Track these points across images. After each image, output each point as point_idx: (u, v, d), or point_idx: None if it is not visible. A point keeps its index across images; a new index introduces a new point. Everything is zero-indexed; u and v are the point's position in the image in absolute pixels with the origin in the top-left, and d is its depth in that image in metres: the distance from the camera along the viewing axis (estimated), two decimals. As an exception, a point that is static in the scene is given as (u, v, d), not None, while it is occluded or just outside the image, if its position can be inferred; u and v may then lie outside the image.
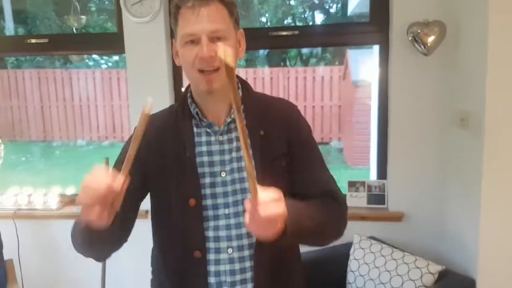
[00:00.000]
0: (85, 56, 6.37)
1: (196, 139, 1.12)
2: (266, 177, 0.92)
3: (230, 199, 1.10)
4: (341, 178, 2.24)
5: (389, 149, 2.39)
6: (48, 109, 8.94)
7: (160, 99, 2.42)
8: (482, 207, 1.92)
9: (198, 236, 1.08)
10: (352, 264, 2.20)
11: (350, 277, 2.19)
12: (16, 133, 9.14)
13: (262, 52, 9.41)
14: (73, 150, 9.23)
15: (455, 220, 2.21)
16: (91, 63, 9.85)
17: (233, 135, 1.12)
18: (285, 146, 1.11)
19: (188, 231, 1.08)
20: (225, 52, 0.78)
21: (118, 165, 1.08)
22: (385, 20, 2.32)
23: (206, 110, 1.13)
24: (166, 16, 2.40)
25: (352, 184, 2.46)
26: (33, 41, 2.60)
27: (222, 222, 1.09)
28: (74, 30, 4.07)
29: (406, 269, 2.01)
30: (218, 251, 1.09)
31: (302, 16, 10.97)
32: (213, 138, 1.12)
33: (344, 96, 7.85)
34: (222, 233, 1.09)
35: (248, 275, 1.09)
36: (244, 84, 1.19)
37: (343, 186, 1.65)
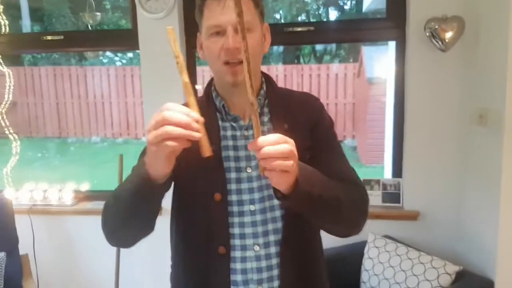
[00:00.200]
0: (100, 53, 6.42)
1: (222, 132, 1.10)
2: None
3: (256, 195, 1.07)
4: (356, 176, 2.21)
5: (405, 147, 2.35)
6: (64, 106, 9.07)
7: (174, 96, 2.42)
8: (501, 206, 1.88)
9: (223, 232, 1.06)
10: (366, 263, 2.18)
11: (364, 276, 2.17)
12: (33, 129, 9.28)
13: (276, 49, 9.40)
14: (87, 147, 9.34)
15: (473, 219, 2.17)
16: (105, 60, 9.95)
17: None
18: (309, 139, 1.10)
19: (213, 226, 1.06)
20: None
21: None
22: (402, 16, 2.28)
23: (231, 103, 1.11)
24: (181, 12, 2.40)
25: (367, 183, 2.43)
26: (49, 38, 2.62)
27: (247, 219, 1.07)
28: (89, 27, 4.11)
29: (422, 269, 1.98)
30: (244, 248, 1.07)
31: (316, 13, 10.92)
32: (238, 133, 1.10)
33: (358, 93, 7.80)
34: (248, 230, 1.07)
35: (275, 272, 1.07)
36: (267, 78, 1.17)
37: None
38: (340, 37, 2.68)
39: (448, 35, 2.08)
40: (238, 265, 1.07)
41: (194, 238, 1.10)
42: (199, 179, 1.06)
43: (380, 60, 6.45)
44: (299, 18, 10.68)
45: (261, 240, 1.07)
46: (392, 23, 2.33)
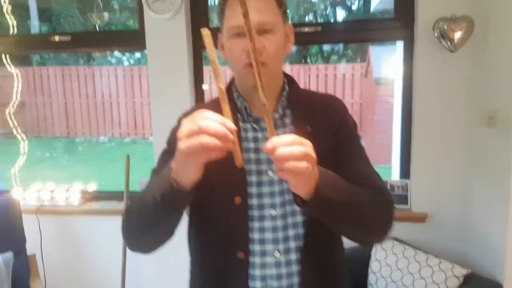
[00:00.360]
0: (108, 53, 6.44)
1: (242, 134, 1.07)
2: None
3: (277, 199, 1.04)
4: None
5: (413, 148, 2.33)
6: (72, 105, 9.12)
7: (181, 96, 2.43)
8: (511, 208, 1.85)
9: (242, 236, 1.03)
10: (373, 265, 2.16)
11: (371, 279, 2.15)
12: (41, 129, 9.34)
13: (283, 49, 9.36)
14: (95, 147, 9.39)
15: (482, 221, 2.15)
16: (113, 60, 9.99)
17: (280, 132, 1.05)
18: (332, 142, 1.07)
19: (232, 230, 1.04)
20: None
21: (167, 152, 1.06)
22: (410, 16, 2.26)
23: (252, 104, 1.09)
24: (187, 13, 2.40)
25: (374, 184, 2.42)
26: (56, 38, 2.63)
27: (268, 224, 1.04)
28: (97, 28, 4.12)
29: (429, 272, 1.96)
30: (264, 254, 1.03)
31: (324, 13, 10.89)
32: (260, 135, 1.07)
33: (365, 93, 7.76)
34: (268, 235, 1.03)
35: (295, 280, 1.04)
36: (290, 79, 1.14)
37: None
38: (348, 37, 2.66)
39: (457, 35, 2.06)
40: (257, 271, 1.04)
41: (213, 242, 1.08)
42: (219, 182, 1.00)
43: (388, 60, 6.42)
44: (306, 18, 10.66)
45: (281, 246, 1.03)
46: (400, 23, 2.31)
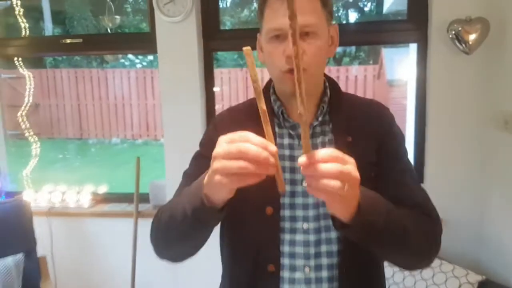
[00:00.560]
0: (120, 56, 6.48)
1: (278, 140, 1.01)
2: None
3: (311, 212, 0.98)
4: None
5: (427, 151, 2.29)
6: (85, 107, 9.21)
7: (192, 99, 2.42)
8: (528, 215, 1.82)
9: (274, 248, 0.98)
10: (386, 271, 2.11)
11: (383, 284, 2.12)
12: (54, 130, 9.44)
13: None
14: (107, 148, 9.45)
15: (497, 227, 2.10)
16: (127, 62, 10.07)
17: (318, 140, 1.01)
18: (374, 155, 1.00)
19: (263, 242, 0.99)
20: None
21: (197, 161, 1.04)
22: (424, 17, 2.23)
23: (290, 110, 1.03)
24: (198, 16, 2.39)
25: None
26: (68, 41, 2.64)
27: (299, 237, 0.98)
28: (109, 30, 4.14)
29: (443, 278, 1.92)
30: (293, 268, 0.98)
31: (336, 15, 10.84)
32: (296, 142, 1.01)
33: (378, 95, 7.71)
34: (299, 249, 0.98)
35: None
36: (332, 83, 1.07)
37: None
38: (361, 40, 2.62)
39: (472, 37, 2.02)
40: (286, 286, 0.99)
41: (243, 252, 1.03)
42: (250, 191, 0.90)
43: (401, 62, 6.36)
44: (319, 20, 10.61)
45: (312, 262, 0.98)
46: (414, 25, 2.28)
